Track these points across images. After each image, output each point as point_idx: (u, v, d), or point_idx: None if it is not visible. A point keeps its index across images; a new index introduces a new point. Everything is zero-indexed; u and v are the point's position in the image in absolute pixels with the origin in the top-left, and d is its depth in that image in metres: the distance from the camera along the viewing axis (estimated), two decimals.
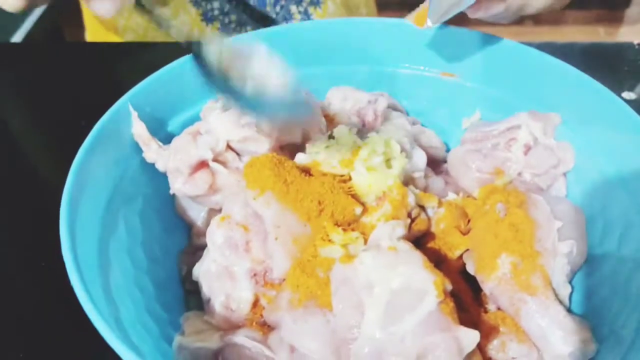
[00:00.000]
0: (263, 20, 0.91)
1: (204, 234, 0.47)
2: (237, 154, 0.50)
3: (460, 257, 0.47)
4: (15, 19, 1.44)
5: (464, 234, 0.48)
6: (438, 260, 0.46)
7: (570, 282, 0.45)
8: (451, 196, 0.52)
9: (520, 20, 0.53)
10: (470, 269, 0.46)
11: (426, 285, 0.38)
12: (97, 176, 0.46)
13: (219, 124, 0.49)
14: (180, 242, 0.53)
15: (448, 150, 0.59)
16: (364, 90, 0.59)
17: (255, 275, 0.44)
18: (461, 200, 0.51)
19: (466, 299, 0.45)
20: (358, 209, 0.44)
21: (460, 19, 0.51)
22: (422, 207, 0.48)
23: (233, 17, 0.91)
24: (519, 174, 0.53)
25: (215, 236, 0.45)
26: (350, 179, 0.46)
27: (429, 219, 0.47)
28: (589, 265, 0.47)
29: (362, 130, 0.54)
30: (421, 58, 0.59)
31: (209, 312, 0.45)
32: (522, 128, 0.53)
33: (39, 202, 0.62)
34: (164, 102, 0.54)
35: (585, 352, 0.41)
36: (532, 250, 0.44)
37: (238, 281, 0.44)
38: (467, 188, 0.54)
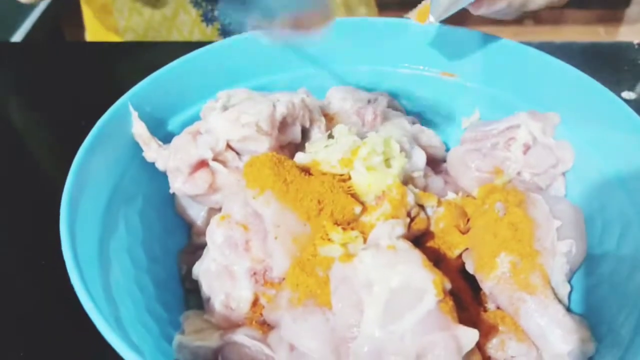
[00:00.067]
0: None
1: (203, 233, 0.47)
2: (237, 153, 0.50)
3: (460, 256, 0.47)
4: (16, 18, 1.45)
5: (463, 233, 0.48)
6: (437, 259, 0.47)
7: (569, 282, 0.46)
8: (450, 195, 0.52)
9: (520, 19, 0.53)
10: (470, 268, 0.46)
11: (425, 284, 0.38)
12: (97, 176, 0.46)
13: (218, 123, 0.49)
14: (180, 241, 0.54)
15: (447, 150, 0.59)
16: (364, 90, 0.59)
17: (255, 274, 0.44)
18: (460, 199, 0.51)
19: (465, 297, 0.45)
20: (357, 208, 0.44)
21: (460, 18, 0.51)
22: (422, 207, 0.48)
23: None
24: (518, 173, 0.53)
25: (215, 235, 0.45)
26: (349, 178, 0.46)
27: (428, 218, 0.48)
28: (588, 264, 0.47)
29: (362, 130, 0.55)
30: (421, 58, 0.59)
31: (208, 311, 0.45)
32: (521, 127, 0.53)
33: (39, 201, 0.62)
34: (164, 101, 0.54)
35: (584, 351, 0.41)
36: (531, 250, 0.44)
37: (238, 280, 0.44)
38: (467, 187, 0.54)
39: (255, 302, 0.44)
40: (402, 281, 0.38)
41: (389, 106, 0.58)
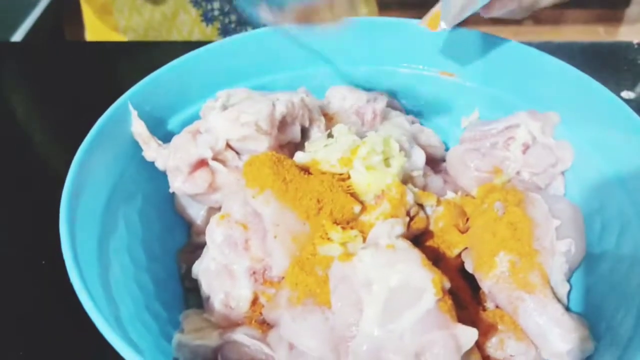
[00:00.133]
0: None
1: (203, 232, 0.47)
2: (237, 152, 0.50)
3: (459, 255, 0.47)
4: (16, 18, 1.45)
5: (462, 233, 0.48)
6: (436, 259, 0.47)
7: (568, 281, 0.46)
8: (450, 195, 0.52)
9: (520, 19, 0.53)
10: (469, 267, 0.46)
11: (425, 283, 0.38)
12: (97, 175, 0.47)
13: (218, 122, 0.49)
14: (179, 240, 0.54)
15: (447, 149, 0.59)
16: (363, 90, 0.59)
17: (254, 273, 0.44)
18: (460, 198, 0.52)
19: (464, 296, 0.45)
20: (357, 208, 0.44)
21: None
22: (421, 206, 0.48)
23: (233, 17, 0.91)
24: (518, 172, 0.53)
25: (214, 234, 0.45)
26: (349, 177, 0.46)
27: (427, 217, 0.48)
28: (587, 263, 0.47)
29: (361, 129, 0.55)
30: (420, 57, 0.59)
31: (208, 310, 0.45)
32: (520, 127, 0.53)
33: (39, 200, 0.62)
34: (163, 100, 0.54)
35: (583, 349, 0.41)
36: (530, 249, 0.44)
37: (237, 279, 0.44)
38: (466, 187, 0.54)
39: (254, 301, 0.44)
40: (402, 280, 0.38)
41: (388, 106, 0.58)
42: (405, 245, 0.41)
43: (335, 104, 0.57)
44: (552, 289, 0.43)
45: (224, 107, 0.50)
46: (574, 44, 0.83)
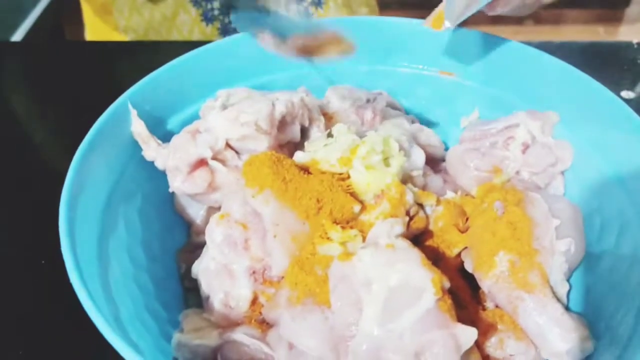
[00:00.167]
0: None
1: (203, 232, 0.48)
2: (236, 152, 0.50)
3: (459, 254, 0.47)
4: (16, 18, 1.45)
5: (462, 232, 0.48)
6: (436, 258, 0.47)
7: (567, 280, 0.46)
8: (449, 194, 0.52)
9: (520, 19, 0.53)
10: (468, 266, 0.46)
11: (424, 283, 0.38)
12: (97, 174, 0.47)
13: (218, 122, 0.49)
14: (179, 240, 0.54)
15: (447, 149, 0.59)
16: (363, 89, 0.59)
17: (254, 272, 0.44)
18: (459, 198, 0.52)
19: (464, 296, 0.45)
20: (356, 207, 0.44)
21: None
22: (421, 205, 0.48)
23: None
24: (517, 172, 0.53)
25: (214, 234, 0.45)
26: (348, 177, 0.46)
27: (427, 217, 0.48)
28: (587, 263, 0.47)
29: (361, 129, 0.55)
30: (420, 57, 0.60)
31: (208, 309, 0.45)
32: (520, 127, 0.53)
33: (39, 200, 0.62)
34: (163, 100, 0.54)
35: (582, 349, 0.41)
36: (530, 248, 0.44)
37: (237, 279, 0.44)
38: (466, 186, 0.54)
39: (254, 301, 0.44)
40: (401, 280, 0.38)
41: (388, 105, 0.58)
42: (405, 244, 0.41)
43: (334, 104, 0.57)
44: (551, 288, 0.43)
45: (224, 107, 0.50)
46: (574, 43, 0.83)
